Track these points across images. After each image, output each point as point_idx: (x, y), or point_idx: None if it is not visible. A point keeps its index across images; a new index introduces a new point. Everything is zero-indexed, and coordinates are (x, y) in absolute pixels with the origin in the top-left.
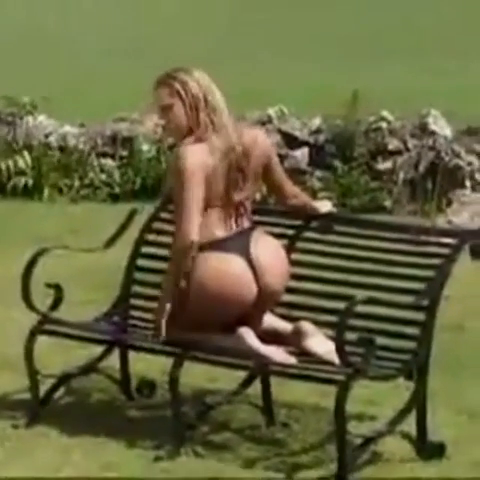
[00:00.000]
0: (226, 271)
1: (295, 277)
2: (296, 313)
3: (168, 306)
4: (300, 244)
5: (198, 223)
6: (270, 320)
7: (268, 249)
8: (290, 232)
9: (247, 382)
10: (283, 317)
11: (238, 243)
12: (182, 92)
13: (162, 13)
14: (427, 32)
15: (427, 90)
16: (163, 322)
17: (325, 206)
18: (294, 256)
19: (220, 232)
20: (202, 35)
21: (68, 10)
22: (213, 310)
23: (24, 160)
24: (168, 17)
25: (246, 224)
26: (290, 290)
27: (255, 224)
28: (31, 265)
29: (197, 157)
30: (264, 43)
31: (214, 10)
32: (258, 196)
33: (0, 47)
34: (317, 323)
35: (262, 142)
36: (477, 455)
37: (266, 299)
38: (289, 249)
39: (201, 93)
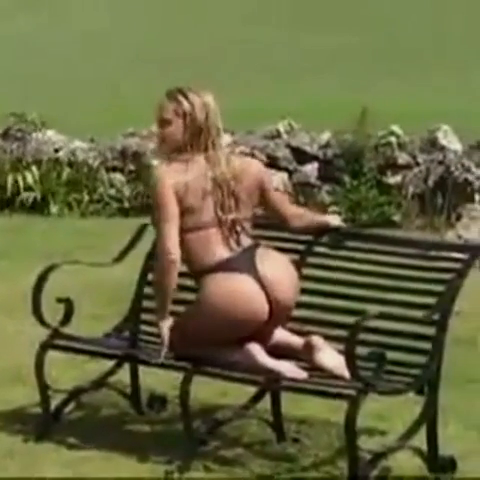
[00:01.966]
0: (237, 290)
1: (306, 292)
2: (307, 328)
3: (167, 323)
4: (311, 259)
5: (176, 240)
6: (282, 335)
7: (275, 264)
8: (300, 247)
9: (257, 397)
10: (294, 332)
11: (244, 261)
12: (187, 114)
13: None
14: (437, 48)
15: (436, 106)
16: (166, 339)
17: (334, 219)
18: (305, 271)
19: (224, 252)
20: (207, 46)
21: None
22: (226, 329)
23: (32, 175)
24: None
25: (247, 242)
26: (301, 305)
27: (257, 241)
28: (41, 280)
29: (171, 178)
30: (272, 59)
31: (222, 24)
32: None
33: (2, 63)
34: (328, 338)
35: (254, 170)
36: None
37: (278, 314)
38: (300, 264)
39: (205, 121)
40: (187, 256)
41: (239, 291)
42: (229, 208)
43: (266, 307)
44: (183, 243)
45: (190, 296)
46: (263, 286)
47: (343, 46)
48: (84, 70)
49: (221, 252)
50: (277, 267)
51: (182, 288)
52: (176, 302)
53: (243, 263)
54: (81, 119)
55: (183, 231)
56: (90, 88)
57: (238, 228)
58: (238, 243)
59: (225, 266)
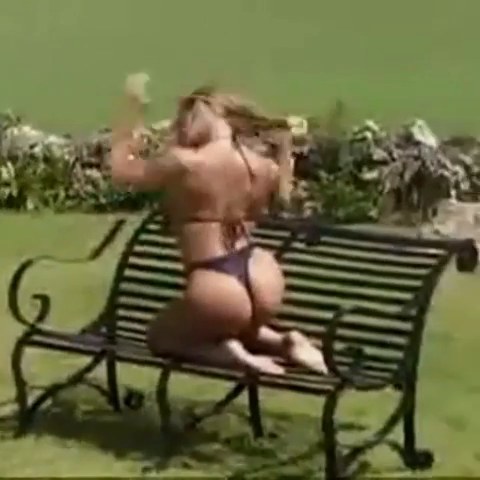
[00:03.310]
0: (223, 290)
1: (284, 287)
2: (285, 323)
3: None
4: (288, 255)
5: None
6: (260, 331)
7: (265, 270)
8: (278, 243)
9: (235, 393)
10: (272, 327)
11: (236, 263)
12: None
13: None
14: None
15: (411, 100)
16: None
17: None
18: (282, 267)
19: (219, 251)
20: (184, 44)
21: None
22: (209, 327)
23: (8, 171)
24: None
25: (243, 244)
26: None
27: (252, 243)
28: (18, 276)
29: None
30: (255, 52)
31: (215, 12)
32: None
33: None
34: (306, 333)
35: (271, 172)
36: (464, 463)
37: (261, 317)
38: (277, 260)
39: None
40: (183, 247)
41: (225, 291)
42: (237, 208)
43: (249, 310)
44: (182, 233)
45: (171, 293)
46: (250, 290)
47: (318, 38)
48: (58, 66)
49: (216, 250)
50: (267, 273)
51: (164, 285)
52: (157, 299)
53: (235, 265)
54: (56, 115)
55: (184, 220)
56: (64, 83)
57: (238, 229)
58: (234, 244)
59: (217, 265)
